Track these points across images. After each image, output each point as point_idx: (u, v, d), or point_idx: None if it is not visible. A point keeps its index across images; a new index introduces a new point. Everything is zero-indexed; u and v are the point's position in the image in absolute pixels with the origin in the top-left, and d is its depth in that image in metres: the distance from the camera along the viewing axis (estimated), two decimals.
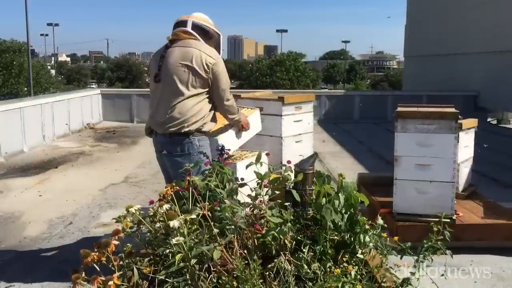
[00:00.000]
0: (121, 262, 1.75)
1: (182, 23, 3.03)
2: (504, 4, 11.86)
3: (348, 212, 2.23)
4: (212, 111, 3.05)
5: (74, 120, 10.15)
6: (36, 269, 3.52)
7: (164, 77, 2.95)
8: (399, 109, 3.92)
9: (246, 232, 2.16)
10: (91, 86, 48.99)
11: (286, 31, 67.09)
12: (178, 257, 1.67)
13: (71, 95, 10.85)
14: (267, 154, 2.65)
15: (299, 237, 2.17)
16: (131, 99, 11.77)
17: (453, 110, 3.69)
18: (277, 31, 66.26)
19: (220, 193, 2.22)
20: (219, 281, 1.82)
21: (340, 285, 1.71)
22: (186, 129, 2.89)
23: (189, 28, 3.00)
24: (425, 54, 15.97)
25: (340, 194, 2.20)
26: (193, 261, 1.74)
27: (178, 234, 1.69)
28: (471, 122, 4.45)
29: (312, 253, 2.12)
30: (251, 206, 2.20)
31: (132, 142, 9.25)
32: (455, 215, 3.78)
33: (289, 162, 2.51)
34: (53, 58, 79.58)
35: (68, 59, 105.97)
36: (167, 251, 1.73)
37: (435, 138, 3.67)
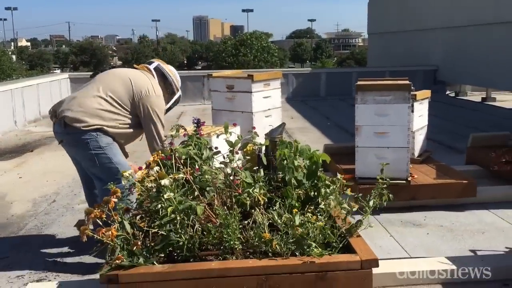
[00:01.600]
0: (119, 218, 2.04)
1: (150, 62, 3.42)
2: None
3: (313, 170, 2.56)
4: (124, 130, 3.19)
5: (44, 105, 10.21)
6: (28, 241, 3.76)
7: (101, 76, 3.27)
8: (359, 83, 4.28)
9: (224, 192, 2.48)
10: (55, 71, 48.01)
11: (252, 10, 67.06)
12: (170, 209, 1.97)
13: (40, 80, 10.88)
14: (234, 125, 2.94)
15: (270, 196, 2.50)
16: None
17: (406, 82, 4.06)
18: (243, 10, 66.14)
19: (198, 160, 2.53)
20: (204, 231, 2.13)
21: (304, 227, 2.04)
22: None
23: (152, 67, 3.34)
24: (388, 31, 16.44)
25: (297, 156, 2.53)
26: (183, 215, 2.04)
27: (168, 191, 1.99)
28: (425, 93, 4.85)
29: (283, 208, 2.45)
30: (228, 169, 2.51)
31: None
32: (410, 177, 4.18)
33: (253, 128, 2.83)
34: (12, 43, 77.36)
35: (29, 44, 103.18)
36: (159, 206, 2.03)
37: (391, 108, 4.04)
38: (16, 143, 7.79)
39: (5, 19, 71.33)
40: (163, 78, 3.35)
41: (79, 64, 48.94)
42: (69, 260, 3.37)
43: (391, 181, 4.02)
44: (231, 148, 2.64)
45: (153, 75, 3.31)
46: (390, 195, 2.41)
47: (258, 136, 2.79)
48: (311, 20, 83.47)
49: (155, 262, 1.94)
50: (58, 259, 3.39)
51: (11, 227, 4.11)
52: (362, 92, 4.08)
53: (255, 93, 4.50)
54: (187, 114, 9.96)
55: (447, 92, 13.35)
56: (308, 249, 1.98)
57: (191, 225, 2.05)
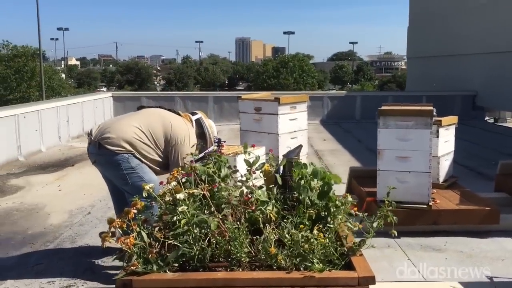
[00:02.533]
0: (138, 228, 2.22)
1: (193, 113, 3.69)
2: (502, 6, 12.23)
3: (324, 190, 2.68)
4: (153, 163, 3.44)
5: (87, 122, 10.68)
6: (61, 250, 4.01)
7: (146, 112, 3.55)
8: (382, 107, 4.38)
9: (239, 208, 2.63)
10: (101, 89, 49.75)
11: (293, 33, 67.66)
12: (183, 221, 2.14)
13: (85, 98, 11.42)
14: (252, 146, 3.09)
15: (283, 213, 2.63)
16: (140, 101, 12.28)
17: (428, 108, 4.13)
18: (284, 33, 66.83)
19: (217, 178, 2.69)
20: (216, 244, 2.28)
21: (309, 244, 2.16)
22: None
23: (194, 118, 3.62)
24: (427, 55, 16.36)
25: (312, 177, 2.66)
26: (198, 229, 2.20)
27: (183, 204, 2.16)
28: (451, 119, 4.88)
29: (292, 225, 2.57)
30: (244, 187, 2.66)
31: None
32: (432, 202, 4.22)
33: (271, 150, 2.99)
34: (63, 62, 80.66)
35: (78, 63, 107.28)
36: (175, 218, 2.20)
37: (413, 133, 4.11)
38: (59, 157, 8.21)
39: (56, 39, 74.55)
40: (201, 130, 3.62)
41: (124, 83, 50.59)
42: (98, 269, 3.58)
43: (412, 205, 4.17)
44: (248, 168, 2.79)
45: (192, 125, 3.56)
46: (395, 218, 2.48)
47: (274, 157, 2.94)
48: (353, 43, 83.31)
49: (167, 270, 2.10)
50: (88, 268, 3.61)
51: (47, 236, 4.37)
52: (384, 117, 4.18)
53: (281, 115, 4.67)
54: (223, 134, 10.19)
55: (486, 118, 13.13)
56: (310, 265, 2.10)
57: (203, 238, 2.20)
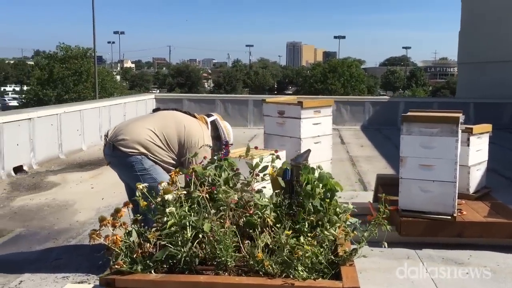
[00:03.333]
0: (129, 228, 2.24)
1: (209, 115, 3.71)
2: None
3: (327, 196, 2.61)
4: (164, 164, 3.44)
5: None
6: (82, 246, 4.11)
7: (161, 114, 3.55)
8: (408, 113, 4.25)
9: (238, 212, 2.60)
10: (153, 91, 51.00)
11: (344, 37, 66.95)
12: (169, 223, 2.13)
13: (127, 99, 11.73)
14: (255, 148, 3.05)
15: (282, 219, 2.58)
16: (182, 104, 12.48)
17: (454, 115, 3.96)
18: (335, 37, 66.22)
19: (218, 181, 2.67)
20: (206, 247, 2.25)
21: (294, 251, 2.11)
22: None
23: (209, 120, 3.63)
24: (478, 60, 15.76)
25: (316, 183, 2.59)
26: (189, 230, 2.19)
27: (171, 205, 2.16)
28: (484, 127, 4.66)
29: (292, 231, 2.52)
30: (243, 191, 2.63)
31: None
32: (458, 213, 4.04)
33: (276, 151, 2.93)
34: (119, 64, 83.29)
35: (133, 65, 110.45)
36: (165, 219, 2.20)
37: (437, 141, 3.95)
38: (97, 156, 8.44)
39: (113, 42, 76.95)
40: (216, 132, 3.63)
41: (175, 86, 51.62)
42: None
43: (435, 216, 4.00)
44: (250, 171, 2.76)
45: (207, 127, 3.58)
46: (389, 227, 2.38)
47: (280, 159, 2.89)
48: (406, 48, 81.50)
49: (153, 271, 2.10)
50: (103, 265, 3.67)
51: (71, 232, 4.50)
52: (407, 123, 4.04)
53: (304, 120, 4.60)
54: (259, 137, 10.20)
55: None
56: (294, 272, 2.04)
57: (192, 240, 2.19)
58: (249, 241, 2.35)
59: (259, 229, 2.50)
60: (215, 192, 2.55)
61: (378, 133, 11.26)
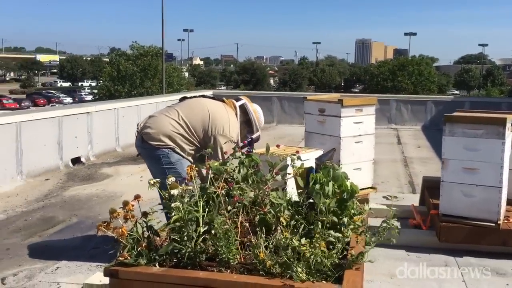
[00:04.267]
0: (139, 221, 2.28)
1: (238, 99, 3.62)
2: None
3: (343, 198, 2.53)
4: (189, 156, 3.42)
5: None
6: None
7: (186, 102, 3.53)
8: (455, 113, 4.04)
9: (253, 210, 2.58)
10: (220, 88, 51.87)
11: (415, 34, 64.61)
12: (174, 217, 2.15)
13: (184, 95, 11.98)
14: (277, 146, 3.00)
15: (296, 217, 2.53)
16: None
17: (502, 116, 3.71)
18: (405, 34, 64.14)
19: (237, 177, 2.66)
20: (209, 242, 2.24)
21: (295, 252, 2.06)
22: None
23: (238, 104, 3.54)
24: None
25: (330, 182, 2.52)
26: (194, 226, 2.20)
27: (177, 200, 2.18)
28: None
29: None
30: (259, 189, 2.61)
31: None
32: (503, 220, 3.79)
33: (278, 146, 2.89)
34: (188, 61, 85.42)
35: (202, 62, 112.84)
36: (173, 214, 2.23)
37: (482, 143, 3.72)
38: None
39: (183, 40, 79.10)
40: (245, 116, 3.54)
41: (240, 83, 52.20)
42: None
43: (477, 222, 3.78)
44: (270, 168, 2.73)
45: (236, 112, 3.51)
46: (398, 232, 2.27)
47: (300, 160, 2.83)
48: (483, 45, 77.63)
49: (157, 265, 2.12)
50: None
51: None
52: (450, 124, 3.84)
53: (344, 118, 4.49)
54: None
55: None
56: (294, 273, 2.00)
57: (198, 236, 2.19)
58: (255, 240, 2.33)
59: (273, 228, 2.48)
60: (231, 188, 2.55)
61: (439, 134, 10.69)
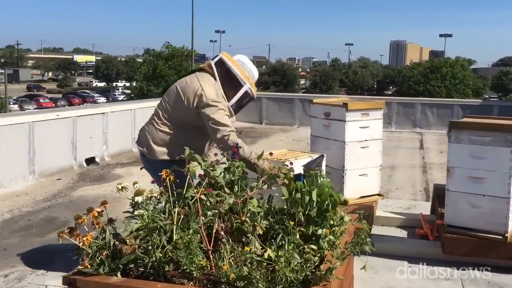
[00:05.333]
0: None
1: (214, 57, 3.19)
2: None
3: (324, 208, 2.41)
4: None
5: None
6: None
7: (164, 95, 3.21)
8: (464, 119, 3.85)
9: (230, 218, 2.48)
10: None
11: (450, 35, 63.28)
12: (136, 226, 2.08)
13: None
14: (270, 154, 2.89)
15: (274, 228, 2.42)
16: (261, 102, 12.49)
17: (511, 122, 3.50)
18: (441, 35, 62.80)
19: (219, 182, 2.56)
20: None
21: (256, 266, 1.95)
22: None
23: (212, 62, 3.12)
24: None
25: (313, 191, 2.39)
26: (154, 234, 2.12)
27: (141, 208, 2.10)
28: None
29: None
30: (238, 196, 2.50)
31: (252, 142, 9.92)
32: (510, 233, 3.58)
33: (271, 154, 2.75)
34: None
35: None
36: (137, 222, 2.15)
37: (490, 151, 3.52)
38: None
39: (215, 41, 79.68)
40: (226, 72, 3.07)
41: (271, 84, 52.01)
42: None
43: (484, 235, 3.58)
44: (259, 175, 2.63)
45: (213, 73, 3.06)
46: (372, 244, 2.14)
47: (288, 167, 2.69)
48: None
49: (119, 274, 2.05)
50: None
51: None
52: (456, 130, 3.65)
53: (349, 122, 4.32)
54: None
55: None
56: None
57: (163, 245, 2.11)
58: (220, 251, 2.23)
59: (250, 238, 2.38)
60: (209, 195, 2.46)
61: None
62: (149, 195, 2.17)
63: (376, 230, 4.43)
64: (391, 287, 3.36)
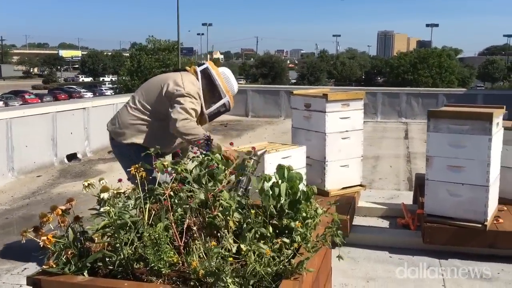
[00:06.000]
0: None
1: (200, 64, 3.33)
2: None
3: (295, 199, 2.37)
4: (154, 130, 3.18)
5: None
6: None
7: (144, 83, 3.36)
8: (443, 108, 3.83)
9: (202, 213, 2.43)
10: (239, 82, 51.67)
11: (437, 25, 63.42)
12: (102, 223, 2.02)
13: None
14: (231, 144, 2.86)
15: (247, 221, 2.37)
16: (247, 95, 12.43)
17: (488, 110, 3.48)
18: (427, 25, 62.96)
19: (187, 177, 2.51)
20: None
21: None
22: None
23: (198, 69, 3.24)
24: None
25: (282, 183, 2.35)
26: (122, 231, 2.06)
27: (107, 205, 2.04)
28: None
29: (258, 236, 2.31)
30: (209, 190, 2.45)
31: (237, 135, 9.88)
32: (492, 221, 3.58)
33: (253, 148, 2.72)
34: (208, 56, 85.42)
35: (222, 56, 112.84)
36: (104, 219, 2.10)
37: (468, 139, 3.50)
38: None
39: (202, 34, 79.15)
40: (209, 81, 3.21)
41: (259, 76, 51.88)
42: None
43: (463, 223, 3.57)
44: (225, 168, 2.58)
45: (197, 77, 3.20)
46: (342, 237, 2.10)
47: (255, 157, 2.66)
48: (508, 36, 75.66)
49: (85, 273, 2.00)
50: None
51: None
52: (435, 119, 3.62)
53: (329, 113, 4.29)
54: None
55: None
56: (223, 284, 1.84)
57: (131, 242, 2.06)
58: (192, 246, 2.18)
59: (223, 233, 2.33)
60: (179, 190, 2.41)
61: None
62: (115, 191, 2.10)
63: (358, 220, 4.42)
64: (371, 278, 3.33)
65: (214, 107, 3.25)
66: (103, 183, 2.19)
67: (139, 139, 3.19)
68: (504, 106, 3.76)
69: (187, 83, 3.10)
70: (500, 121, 3.68)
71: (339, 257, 2.27)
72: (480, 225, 3.51)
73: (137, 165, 2.39)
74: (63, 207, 2.13)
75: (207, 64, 3.31)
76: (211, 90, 3.21)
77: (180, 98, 3.04)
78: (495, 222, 3.63)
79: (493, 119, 3.41)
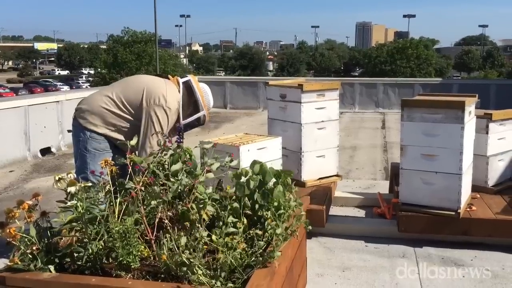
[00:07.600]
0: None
1: (183, 76, 3.40)
2: None
3: (267, 190, 2.35)
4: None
5: None
6: None
7: (124, 80, 3.38)
8: (416, 97, 3.84)
9: (175, 206, 2.39)
10: (218, 74, 51.50)
11: (414, 16, 63.96)
12: (69, 217, 1.97)
13: None
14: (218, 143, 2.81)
15: (220, 213, 2.35)
16: (225, 86, 12.37)
17: (460, 99, 3.51)
18: (404, 16, 63.46)
19: (159, 171, 2.47)
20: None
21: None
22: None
23: (181, 80, 3.31)
24: None
25: (256, 176, 2.33)
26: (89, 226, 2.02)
27: (74, 199, 2.00)
28: (508, 113, 4.14)
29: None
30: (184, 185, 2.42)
31: (215, 127, 9.82)
32: (465, 209, 3.62)
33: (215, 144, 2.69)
34: (186, 47, 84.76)
35: (201, 48, 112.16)
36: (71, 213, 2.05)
37: (441, 128, 3.53)
38: None
39: (180, 26, 78.22)
40: (189, 94, 3.29)
41: (238, 68, 51.73)
42: None
43: (437, 211, 3.60)
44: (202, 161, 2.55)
45: (179, 89, 3.26)
46: (309, 226, 2.10)
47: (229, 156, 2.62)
48: (483, 26, 76.81)
49: (52, 269, 1.95)
50: None
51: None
52: (408, 108, 3.64)
53: (305, 104, 4.27)
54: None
55: None
56: (193, 276, 1.82)
57: (99, 237, 2.02)
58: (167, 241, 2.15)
59: (196, 225, 2.30)
60: (151, 184, 2.37)
61: None
62: (83, 185, 2.05)
63: (335, 210, 4.43)
64: (346, 267, 3.34)
65: (190, 119, 3.32)
66: (71, 176, 2.13)
67: (101, 129, 3.11)
68: (477, 95, 3.78)
69: (170, 97, 3.14)
70: (472, 110, 3.71)
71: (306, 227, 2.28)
72: (453, 213, 3.55)
73: (107, 159, 2.34)
74: (30, 202, 2.07)
75: (190, 77, 3.40)
76: (190, 102, 3.29)
77: (158, 111, 3.09)
78: (468, 209, 3.67)
79: (465, 108, 3.44)
